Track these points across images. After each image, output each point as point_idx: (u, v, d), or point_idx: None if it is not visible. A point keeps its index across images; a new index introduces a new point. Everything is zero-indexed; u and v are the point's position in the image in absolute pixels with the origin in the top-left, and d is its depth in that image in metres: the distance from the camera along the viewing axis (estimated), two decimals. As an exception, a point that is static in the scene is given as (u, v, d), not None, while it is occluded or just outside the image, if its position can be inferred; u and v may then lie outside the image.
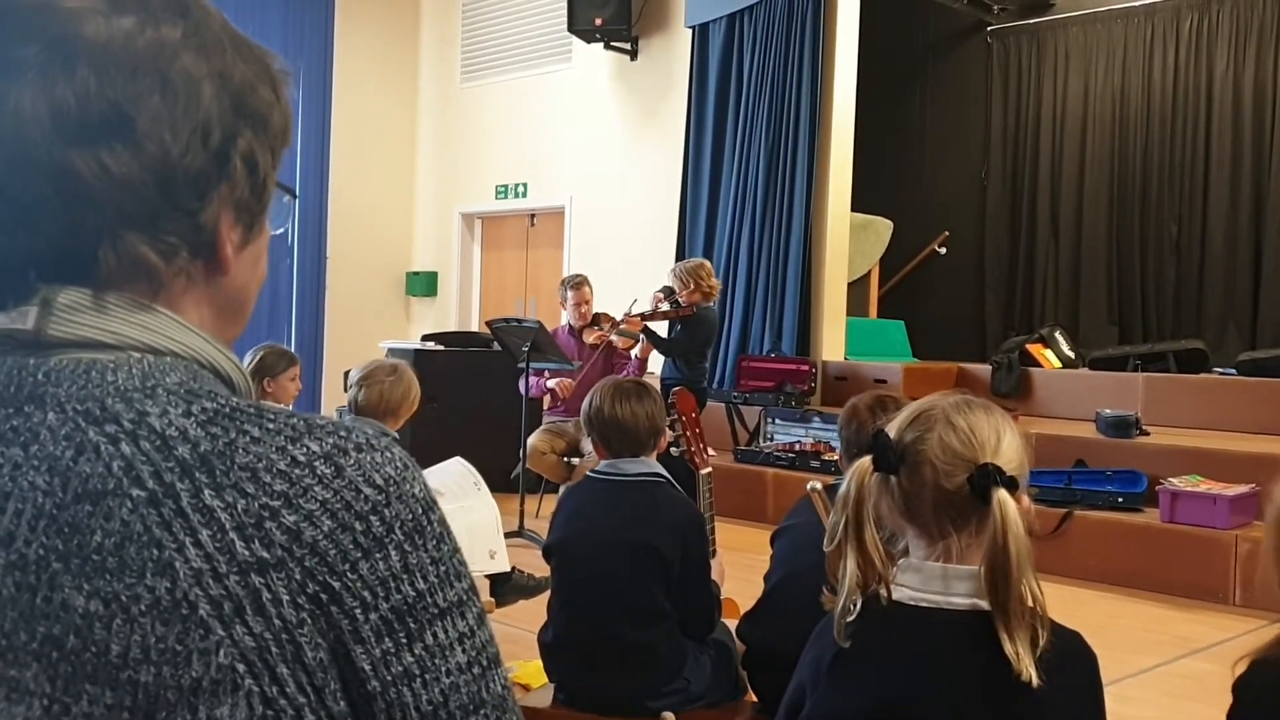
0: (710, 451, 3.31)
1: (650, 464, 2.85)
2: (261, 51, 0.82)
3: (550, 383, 6.62)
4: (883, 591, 1.48)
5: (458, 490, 4.12)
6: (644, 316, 6.57)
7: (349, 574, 0.70)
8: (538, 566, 4.27)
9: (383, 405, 3.64)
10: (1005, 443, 1.50)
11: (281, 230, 0.92)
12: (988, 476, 1.44)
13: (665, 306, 6.64)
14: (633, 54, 9.09)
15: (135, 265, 0.74)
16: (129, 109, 0.72)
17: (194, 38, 0.75)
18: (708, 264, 6.78)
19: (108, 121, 0.71)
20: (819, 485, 2.25)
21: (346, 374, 4.15)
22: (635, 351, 6.68)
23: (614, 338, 6.58)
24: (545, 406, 7.02)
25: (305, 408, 8.98)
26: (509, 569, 4.37)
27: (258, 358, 4.27)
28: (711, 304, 6.71)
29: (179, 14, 0.75)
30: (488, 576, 4.24)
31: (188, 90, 0.74)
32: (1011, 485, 1.44)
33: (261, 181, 0.80)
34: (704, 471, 3.22)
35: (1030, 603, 1.42)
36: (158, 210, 0.74)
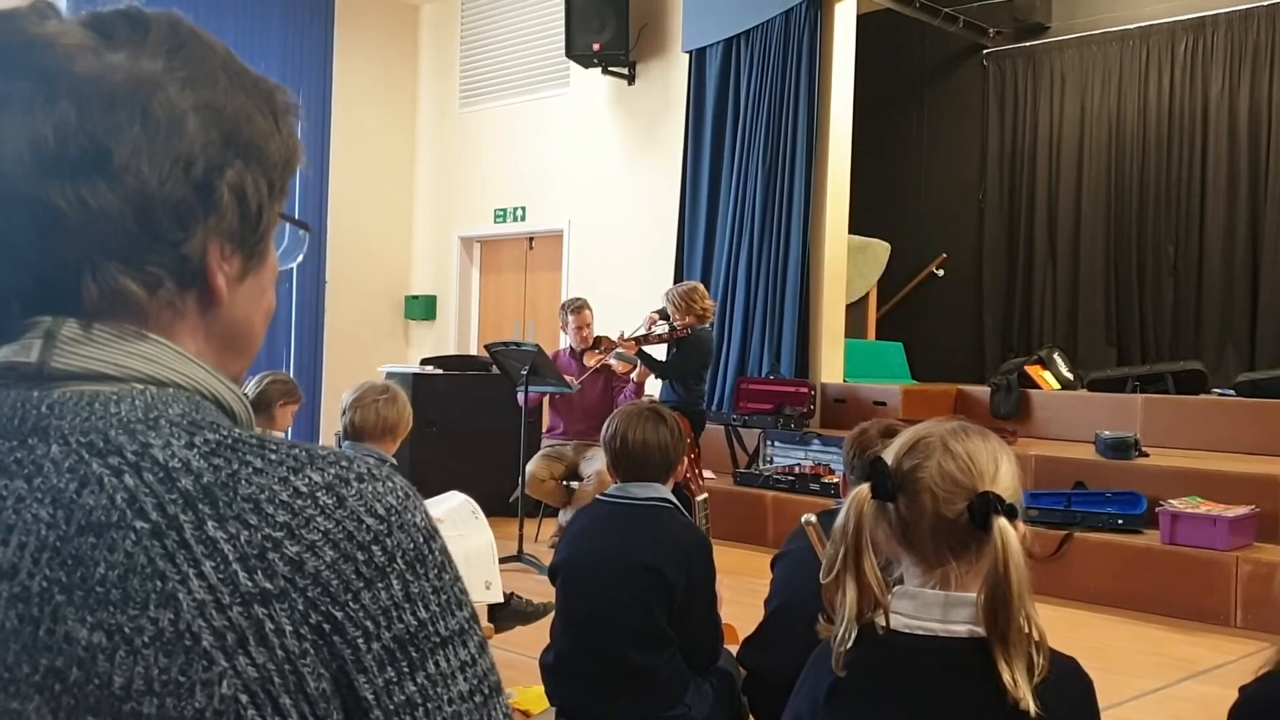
0: (708, 474, 3.32)
1: (659, 489, 2.87)
2: (266, 85, 0.82)
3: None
4: (879, 619, 1.48)
5: (455, 518, 4.10)
6: (639, 340, 6.58)
7: (351, 604, 0.70)
8: (537, 591, 4.27)
9: (380, 426, 3.55)
10: (1003, 470, 1.50)
11: (295, 264, 0.92)
12: (988, 505, 1.44)
13: (660, 330, 6.65)
14: (630, 78, 9.13)
15: (117, 296, 0.75)
16: (107, 141, 0.72)
17: (181, 70, 0.75)
18: (701, 287, 6.80)
19: (85, 154, 0.72)
20: (813, 518, 2.25)
21: None
22: (634, 375, 6.69)
23: (612, 361, 6.58)
24: (544, 429, 7.01)
25: (303, 432, 8.98)
26: (504, 599, 4.34)
27: (265, 384, 4.28)
28: (707, 326, 6.71)
29: (169, 48, 0.76)
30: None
31: (170, 122, 0.74)
32: (1011, 513, 1.44)
33: (255, 212, 0.80)
34: (700, 498, 3.22)
35: (1028, 630, 1.42)
36: (138, 241, 0.74)
